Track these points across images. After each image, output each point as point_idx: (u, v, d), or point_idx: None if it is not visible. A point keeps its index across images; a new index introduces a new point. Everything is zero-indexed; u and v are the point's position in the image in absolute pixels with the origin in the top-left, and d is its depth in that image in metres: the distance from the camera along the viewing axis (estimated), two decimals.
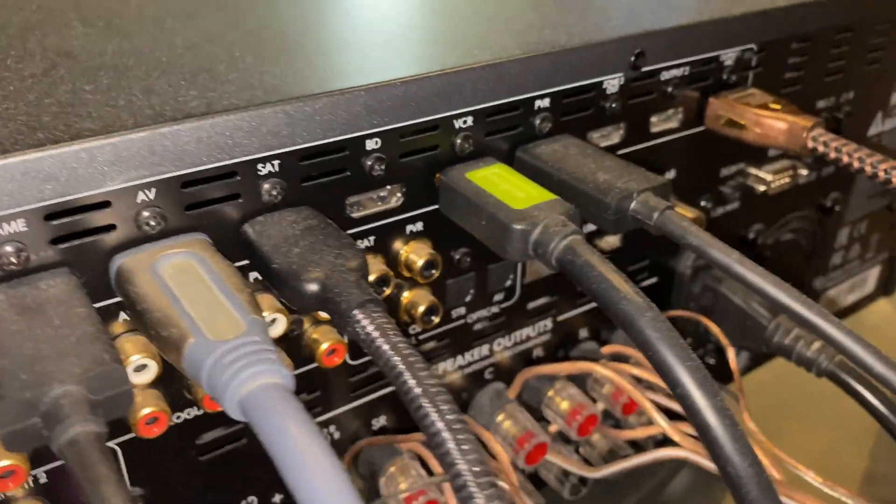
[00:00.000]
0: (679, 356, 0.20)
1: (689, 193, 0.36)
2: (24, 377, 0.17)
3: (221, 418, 0.26)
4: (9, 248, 0.19)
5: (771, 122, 0.32)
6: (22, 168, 0.19)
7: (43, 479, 0.23)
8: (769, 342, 0.36)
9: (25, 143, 0.19)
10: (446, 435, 0.17)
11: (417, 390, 0.18)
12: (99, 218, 0.21)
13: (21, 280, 0.20)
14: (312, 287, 0.21)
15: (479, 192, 0.25)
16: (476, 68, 0.26)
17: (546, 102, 0.29)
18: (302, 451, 0.16)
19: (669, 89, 0.32)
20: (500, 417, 0.32)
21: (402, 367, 0.18)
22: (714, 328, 0.36)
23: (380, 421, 0.31)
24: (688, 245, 0.24)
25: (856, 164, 0.31)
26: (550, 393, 0.34)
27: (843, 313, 0.52)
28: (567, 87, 0.29)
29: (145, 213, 0.21)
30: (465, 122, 0.27)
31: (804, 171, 0.40)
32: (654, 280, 0.38)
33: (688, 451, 0.30)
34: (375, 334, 0.19)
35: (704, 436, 0.20)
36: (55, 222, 0.20)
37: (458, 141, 0.27)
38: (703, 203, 0.37)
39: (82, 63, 0.26)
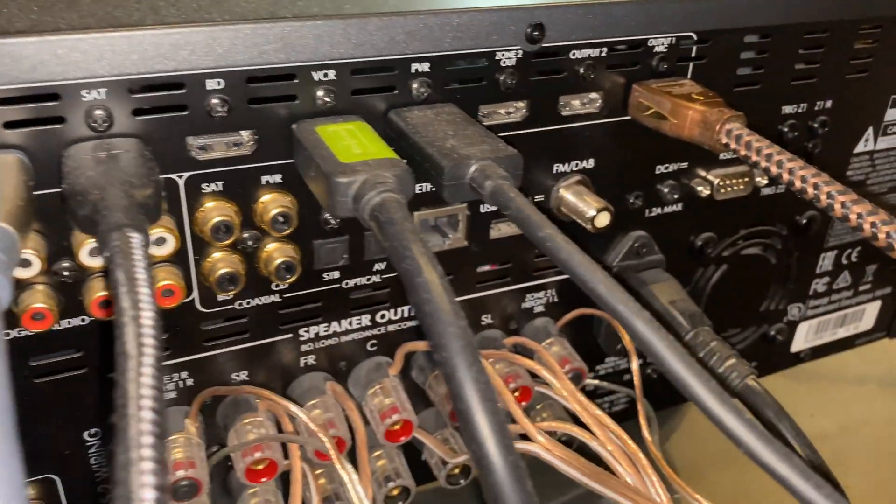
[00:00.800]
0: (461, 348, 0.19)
1: (612, 186, 0.34)
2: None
3: (60, 342, 0.27)
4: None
5: (685, 111, 0.30)
6: None
7: None
8: None
9: None
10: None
11: (127, 317, 0.18)
12: None
13: None
14: (84, 211, 0.21)
15: (317, 144, 0.25)
16: (337, 20, 0.26)
17: (425, 67, 0.28)
18: None
19: (583, 70, 0.31)
20: (371, 391, 0.32)
21: (125, 288, 0.18)
22: (620, 329, 0.34)
23: (240, 375, 0.31)
24: (512, 219, 0.23)
25: (773, 170, 0.28)
26: (435, 374, 0.33)
27: (829, 348, 0.48)
28: (451, 53, 0.28)
29: None
30: (325, 75, 0.26)
31: (763, 181, 0.37)
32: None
33: (540, 448, 0.29)
34: (117, 259, 0.19)
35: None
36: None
37: (319, 94, 0.26)
38: (630, 199, 0.35)
39: None
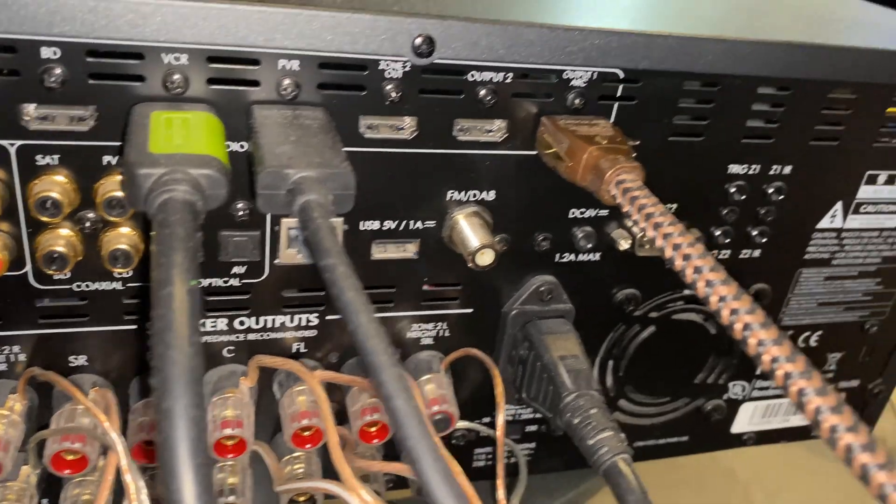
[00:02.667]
0: None
1: (516, 223, 0.31)
2: None
3: None
4: None
5: (580, 154, 0.27)
6: None
7: None
8: (561, 415, 0.31)
9: None
10: None
11: None
12: None
13: None
14: None
15: (140, 129, 0.23)
16: (200, 2, 0.24)
17: (294, 65, 0.26)
18: None
19: (483, 94, 0.28)
20: (215, 398, 0.30)
21: None
22: (497, 379, 0.31)
23: (78, 359, 0.29)
24: (307, 241, 0.21)
25: (654, 237, 0.25)
26: (289, 391, 0.31)
27: (779, 435, 0.44)
28: (326, 53, 0.26)
29: None
30: (176, 58, 0.25)
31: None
32: (469, 310, 0.33)
33: (340, 489, 0.26)
34: None
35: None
36: None
37: (168, 77, 0.25)
38: (539, 239, 0.32)
39: None
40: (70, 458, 0.27)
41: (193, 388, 0.16)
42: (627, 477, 0.28)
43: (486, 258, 0.29)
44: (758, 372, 0.41)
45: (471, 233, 0.30)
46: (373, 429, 0.31)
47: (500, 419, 0.31)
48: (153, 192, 0.21)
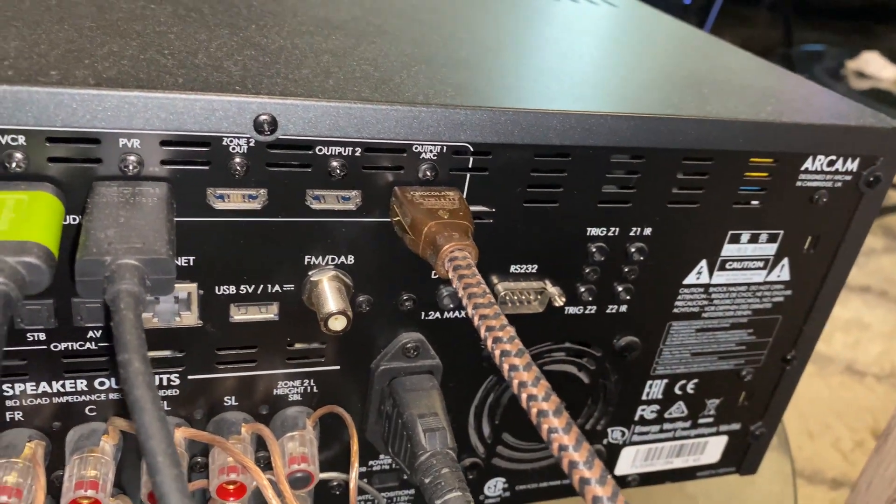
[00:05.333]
0: None
1: (377, 284, 0.32)
2: None
3: None
4: None
5: (420, 227, 0.28)
6: None
7: None
8: (416, 473, 0.32)
9: None
10: None
11: None
12: None
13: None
14: None
15: None
16: (32, 87, 0.25)
17: (136, 143, 0.26)
18: None
19: (334, 167, 0.29)
20: (76, 457, 0.30)
21: None
22: (353, 438, 0.32)
23: None
24: (113, 330, 0.22)
25: (469, 311, 0.26)
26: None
27: (664, 475, 0.46)
28: (166, 132, 0.27)
29: None
30: (13, 139, 0.25)
31: (561, 300, 0.35)
32: (335, 367, 0.34)
33: None
34: None
35: None
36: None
37: (8, 157, 0.25)
38: (403, 299, 0.33)
39: None
40: None
41: None
42: None
43: (338, 324, 0.30)
44: (636, 416, 0.42)
45: (328, 297, 0.31)
46: (231, 486, 0.31)
47: (353, 474, 0.31)
48: None
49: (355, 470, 0.32)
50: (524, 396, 0.23)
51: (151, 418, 0.19)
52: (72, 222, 0.27)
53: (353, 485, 0.31)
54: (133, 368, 0.20)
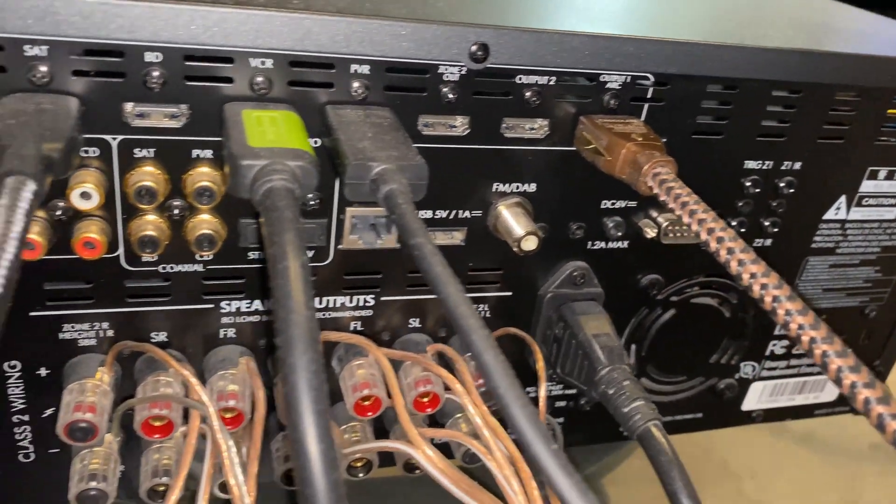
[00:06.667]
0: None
1: (553, 213, 0.35)
2: None
3: None
4: None
5: (619, 149, 0.30)
6: None
7: None
8: (596, 387, 0.34)
9: None
10: None
11: None
12: None
13: None
14: None
15: (236, 125, 0.26)
16: (280, 12, 0.27)
17: (365, 69, 0.29)
18: None
19: (529, 96, 0.31)
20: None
21: None
22: (538, 353, 0.34)
23: (160, 335, 0.32)
24: (396, 224, 0.24)
25: (690, 223, 0.28)
26: (349, 365, 0.34)
27: (785, 412, 0.47)
28: (391, 59, 0.29)
29: None
30: (262, 62, 0.27)
31: None
32: (508, 293, 0.36)
33: (418, 453, 0.29)
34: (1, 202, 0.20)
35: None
36: None
37: (256, 80, 0.27)
38: (573, 228, 0.35)
39: None
40: (157, 424, 0.30)
41: (313, 346, 0.19)
42: (659, 440, 0.31)
43: (530, 244, 0.32)
44: (767, 352, 0.44)
45: (515, 222, 0.33)
46: (425, 399, 0.34)
47: (542, 391, 0.34)
48: (258, 182, 0.24)
49: (544, 386, 0.34)
50: (756, 287, 0.25)
51: (455, 289, 0.21)
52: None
53: (542, 399, 0.33)
54: (427, 250, 0.22)
